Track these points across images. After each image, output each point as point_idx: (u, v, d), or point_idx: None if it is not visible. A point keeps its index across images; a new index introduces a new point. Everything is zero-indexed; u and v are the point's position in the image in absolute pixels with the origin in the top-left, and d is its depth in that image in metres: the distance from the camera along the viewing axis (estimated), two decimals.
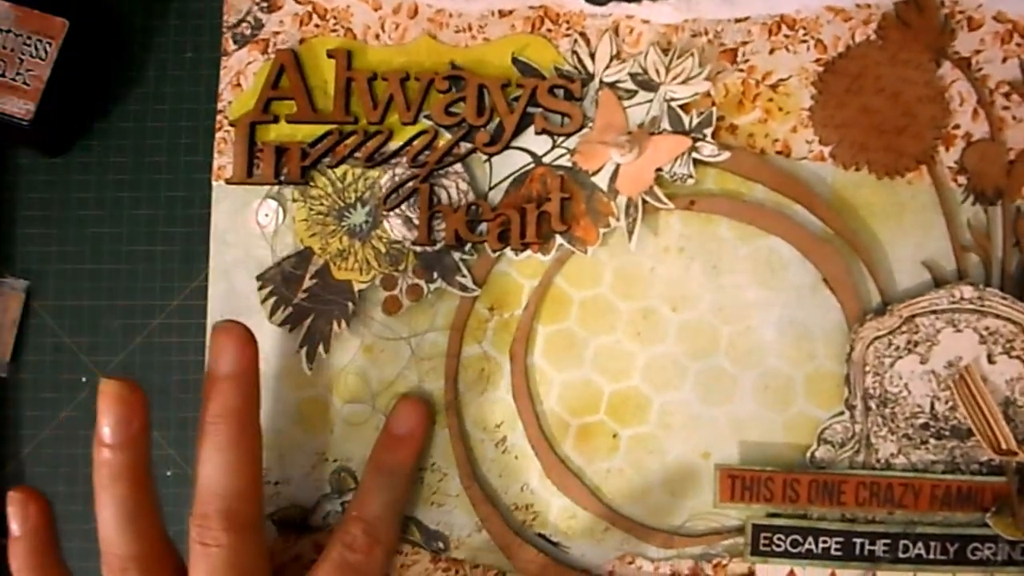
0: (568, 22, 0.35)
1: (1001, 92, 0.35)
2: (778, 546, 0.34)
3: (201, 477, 0.29)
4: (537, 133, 0.35)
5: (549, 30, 0.35)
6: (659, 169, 0.34)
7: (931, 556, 0.34)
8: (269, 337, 0.34)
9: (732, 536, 0.34)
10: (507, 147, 0.35)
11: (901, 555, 0.34)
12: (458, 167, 0.35)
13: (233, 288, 0.35)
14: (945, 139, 0.35)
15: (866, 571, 0.34)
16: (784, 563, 0.34)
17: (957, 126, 0.35)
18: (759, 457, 0.34)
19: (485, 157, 0.35)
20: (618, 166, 0.34)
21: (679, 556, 0.34)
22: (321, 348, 0.34)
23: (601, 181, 0.34)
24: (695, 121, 0.34)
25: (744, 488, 0.34)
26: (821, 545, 0.34)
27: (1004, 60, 0.35)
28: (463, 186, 0.35)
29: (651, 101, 0.34)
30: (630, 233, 0.34)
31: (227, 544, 0.28)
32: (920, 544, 0.34)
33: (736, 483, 0.34)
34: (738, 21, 0.35)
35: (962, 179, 0.35)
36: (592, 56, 0.35)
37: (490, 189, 0.35)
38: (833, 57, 0.35)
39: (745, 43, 0.35)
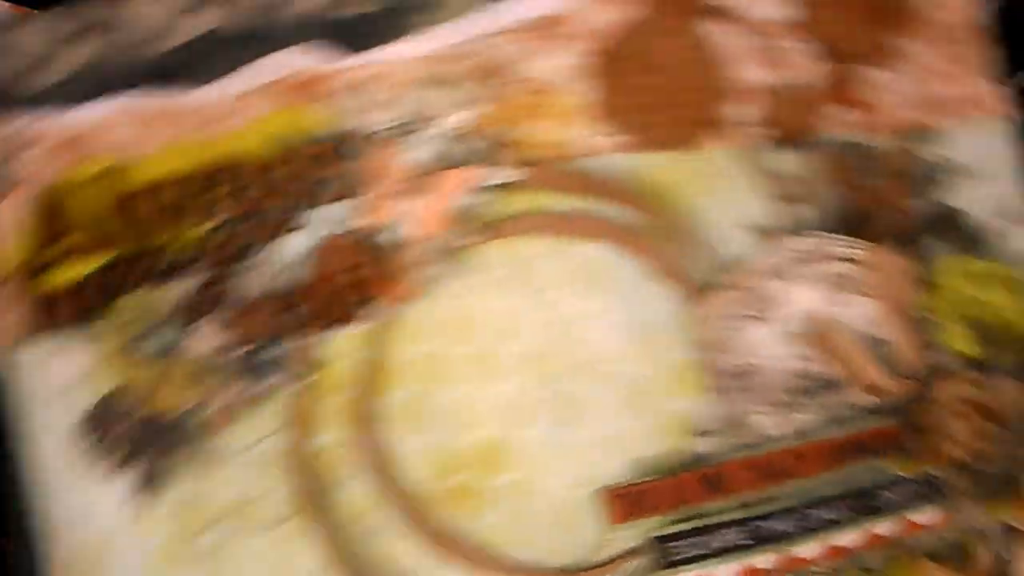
0: (326, 82, 0.34)
1: (770, 32, 0.34)
2: (685, 553, 0.32)
3: None
4: (324, 204, 0.33)
5: (308, 95, 0.34)
6: (456, 205, 0.33)
7: (839, 517, 0.33)
8: (99, 490, 0.32)
9: (636, 556, 0.33)
10: (297, 226, 0.33)
11: (809, 526, 0.33)
12: (256, 258, 0.33)
13: (49, 448, 0.32)
14: (734, 95, 0.34)
15: (782, 552, 0.33)
16: (695, 569, 0.32)
17: (743, 79, 0.34)
18: (638, 469, 0.33)
19: (279, 241, 0.33)
20: (413, 214, 0.33)
21: None
22: (155, 487, 0.32)
23: (400, 233, 0.33)
24: (480, 146, 0.33)
25: (631, 504, 0.32)
26: (726, 540, 0.32)
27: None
28: (266, 276, 0.33)
29: (430, 138, 0.33)
30: (444, 278, 0.33)
31: None
32: (824, 508, 0.33)
33: (622, 502, 0.32)
34: (502, 33, 0.34)
35: (762, 130, 0.34)
36: (357, 110, 0.33)
37: (294, 272, 0.33)
38: (604, 46, 0.34)
39: (514, 53, 0.34)
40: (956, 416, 0.33)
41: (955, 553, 0.34)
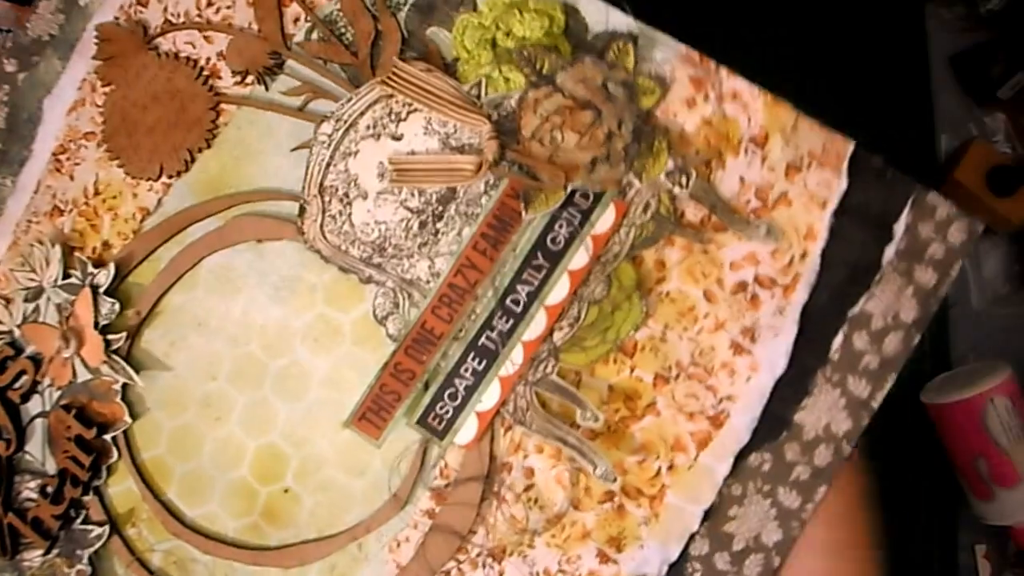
0: None
1: (201, 10, 0.37)
2: (446, 414, 0.34)
3: None
4: (31, 399, 0.38)
5: None
6: (98, 325, 0.37)
7: (537, 281, 0.34)
8: None
9: (420, 447, 0.34)
10: (30, 432, 0.38)
11: (522, 308, 0.34)
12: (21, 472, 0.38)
13: None
14: (213, 74, 0.37)
15: (517, 345, 0.34)
16: (464, 420, 0.34)
17: (209, 58, 0.37)
18: (364, 384, 0.35)
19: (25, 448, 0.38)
20: (81, 356, 0.37)
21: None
22: None
23: (87, 376, 0.37)
24: (81, 274, 0.37)
25: (376, 413, 0.34)
26: (469, 376, 0.34)
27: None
28: (33, 484, 0.38)
29: (48, 297, 0.38)
30: (133, 380, 0.37)
31: None
32: (521, 284, 0.34)
33: (367, 417, 0.34)
34: (40, 182, 0.39)
35: (251, 79, 0.37)
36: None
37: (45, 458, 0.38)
38: (107, 127, 0.38)
39: (55, 185, 0.39)
40: (554, 131, 0.34)
41: (660, 228, 0.34)
